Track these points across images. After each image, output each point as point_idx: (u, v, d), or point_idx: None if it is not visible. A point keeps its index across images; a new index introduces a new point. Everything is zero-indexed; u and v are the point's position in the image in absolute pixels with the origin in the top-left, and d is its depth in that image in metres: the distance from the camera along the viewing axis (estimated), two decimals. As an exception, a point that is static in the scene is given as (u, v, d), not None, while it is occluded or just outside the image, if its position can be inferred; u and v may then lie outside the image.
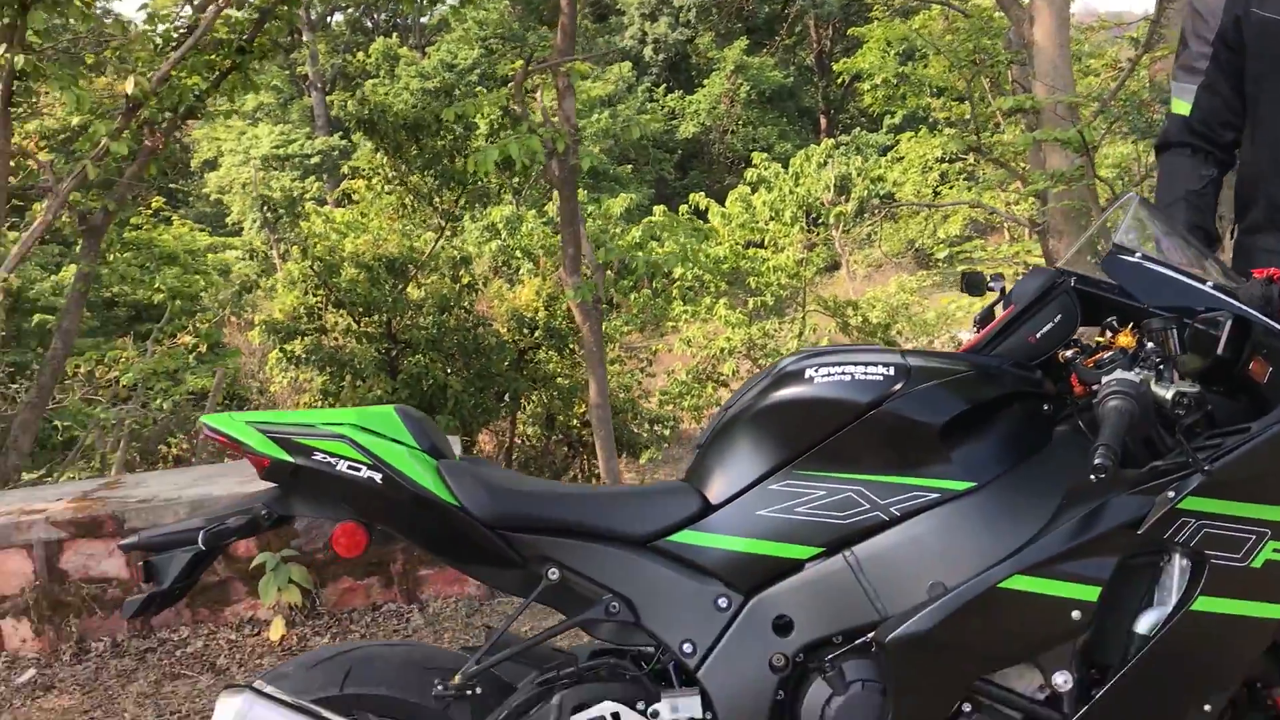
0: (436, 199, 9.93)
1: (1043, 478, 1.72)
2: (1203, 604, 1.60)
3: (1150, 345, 1.67)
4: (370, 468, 1.77)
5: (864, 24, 13.71)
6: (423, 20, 30.34)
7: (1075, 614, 1.62)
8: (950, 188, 14.18)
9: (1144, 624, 1.64)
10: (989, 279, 2.08)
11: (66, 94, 5.08)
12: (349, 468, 1.77)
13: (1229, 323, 1.69)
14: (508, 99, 7.24)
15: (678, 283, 14.31)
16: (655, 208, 14.95)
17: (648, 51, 28.14)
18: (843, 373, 1.76)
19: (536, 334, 10.42)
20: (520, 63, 6.67)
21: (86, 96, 5.32)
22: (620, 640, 1.84)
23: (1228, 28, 2.28)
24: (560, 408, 10.78)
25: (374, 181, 10.35)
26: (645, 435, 11.67)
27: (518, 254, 13.90)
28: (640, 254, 10.18)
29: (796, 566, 1.76)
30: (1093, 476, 1.49)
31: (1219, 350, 1.70)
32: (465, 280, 10.23)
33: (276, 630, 3.58)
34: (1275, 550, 1.60)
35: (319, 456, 1.78)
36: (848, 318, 14.13)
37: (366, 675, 1.86)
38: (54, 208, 5.16)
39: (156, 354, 8.86)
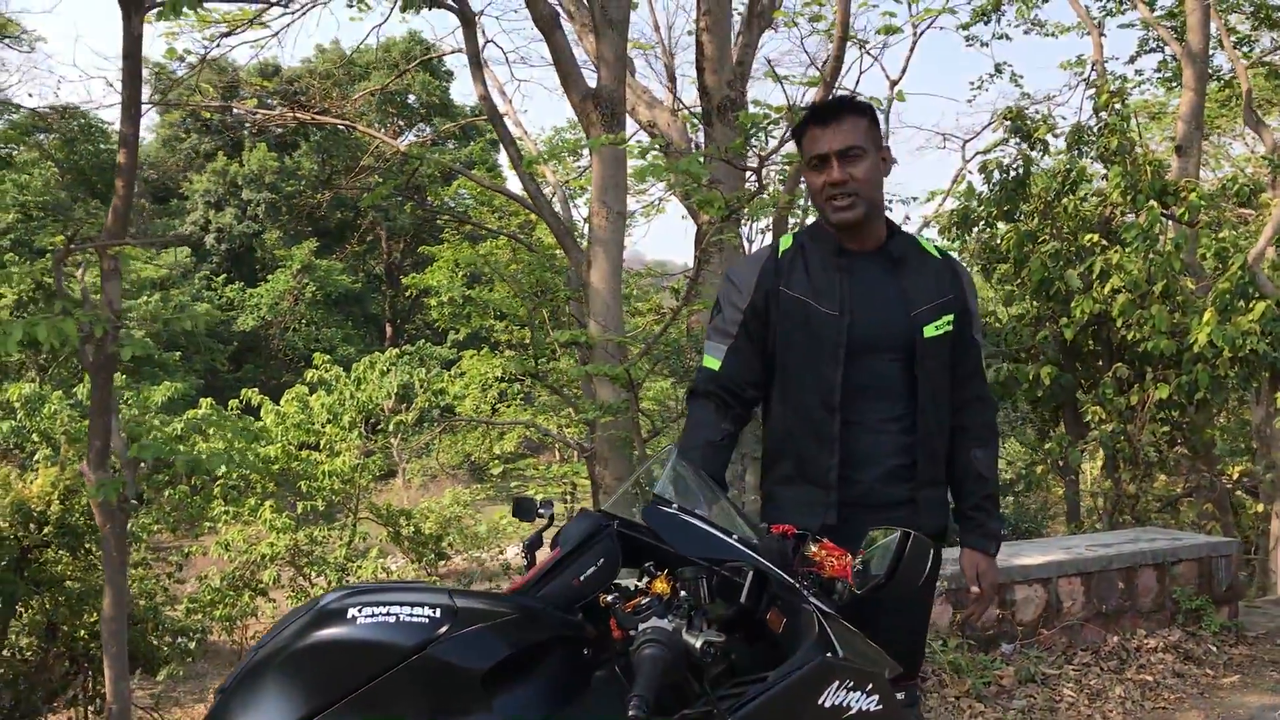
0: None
1: None
2: None
3: (683, 593, 1.77)
4: None
5: (435, 243, 14.18)
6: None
7: None
8: (508, 407, 14.70)
9: None
10: (539, 505, 2.13)
11: None
12: None
13: (750, 575, 1.86)
14: (42, 273, 6.60)
15: (220, 481, 13.43)
16: (202, 400, 14.05)
17: (210, 239, 27.19)
18: (387, 613, 1.68)
19: (46, 530, 9.24)
20: (61, 237, 6.13)
21: None
22: None
23: (758, 301, 2.54)
24: (66, 616, 9.47)
25: None
26: (167, 649, 10.58)
27: (34, 438, 12.52)
28: (182, 449, 9.44)
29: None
30: None
31: (741, 600, 1.86)
32: (-38, 464, 8.93)
33: None
34: None
35: None
36: (400, 527, 13.94)
37: None
38: None
39: None
